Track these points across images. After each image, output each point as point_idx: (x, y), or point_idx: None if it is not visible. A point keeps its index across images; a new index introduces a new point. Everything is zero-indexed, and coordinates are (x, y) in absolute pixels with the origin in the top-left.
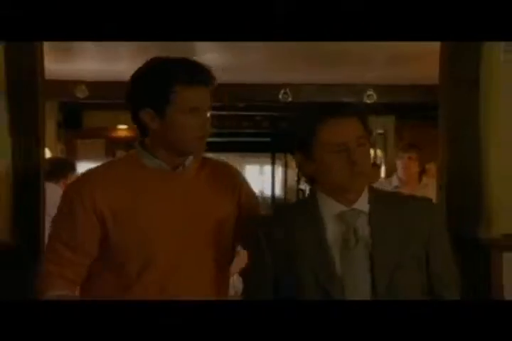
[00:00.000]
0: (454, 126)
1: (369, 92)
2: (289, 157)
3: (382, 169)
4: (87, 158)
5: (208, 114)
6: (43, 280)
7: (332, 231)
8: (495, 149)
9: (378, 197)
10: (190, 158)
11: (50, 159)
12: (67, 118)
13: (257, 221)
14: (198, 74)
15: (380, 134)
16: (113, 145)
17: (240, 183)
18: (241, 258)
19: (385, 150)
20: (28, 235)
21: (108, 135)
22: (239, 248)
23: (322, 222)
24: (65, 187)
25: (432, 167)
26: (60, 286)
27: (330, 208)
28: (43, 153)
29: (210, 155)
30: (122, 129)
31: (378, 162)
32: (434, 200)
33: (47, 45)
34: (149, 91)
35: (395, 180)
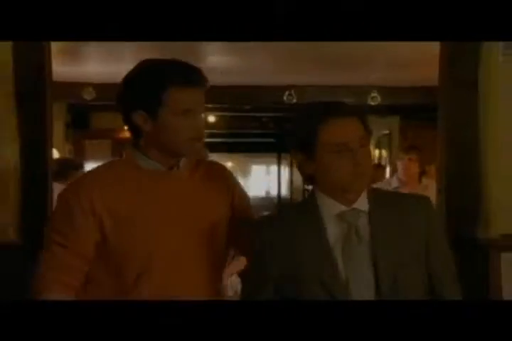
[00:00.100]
0: (453, 127)
1: (373, 94)
2: None
3: (387, 169)
4: (95, 158)
5: (202, 116)
6: (39, 284)
7: (333, 231)
8: (493, 150)
9: (377, 197)
10: (184, 158)
11: (57, 159)
12: (75, 120)
13: (256, 222)
14: (190, 75)
15: (385, 135)
16: (119, 145)
17: (233, 184)
18: (240, 259)
19: (389, 150)
20: (35, 234)
21: (115, 136)
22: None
23: (322, 222)
24: (63, 189)
25: (432, 168)
26: (57, 291)
27: (330, 208)
28: (51, 153)
29: (217, 155)
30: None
31: (383, 163)
32: (433, 201)
33: (55, 48)
34: (142, 93)
35: (394, 181)
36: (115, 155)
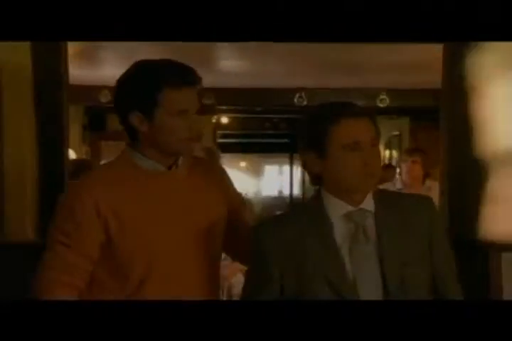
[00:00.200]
0: (455, 129)
1: (382, 96)
2: None
3: (397, 170)
4: (110, 159)
5: (196, 115)
6: (41, 284)
7: (340, 231)
8: (495, 152)
9: (382, 197)
10: (182, 157)
11: (74, 160)
12: (92, 122)
13: (262, 223)
14: (185, 75)
15: (395, 136)
16: None
17: (227, 184)
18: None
19: (399, 151)
20: None
21: None
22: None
23: (329, 222)
24: (66, 192)
25: (436, 170)
26: (59, 291)
27: (337, 208)
28: (67, 154)
29: (231, 155)
30: None
31: (394, 163)
32: (436, 202)
33: (72, 52)
34: (137, 94)
35: (398, 183)
36: None
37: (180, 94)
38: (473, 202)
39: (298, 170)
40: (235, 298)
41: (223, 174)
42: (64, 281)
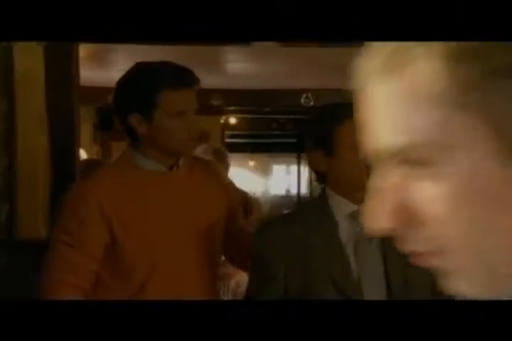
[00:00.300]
0: None
1: None
2: None
3: None
4: None
5: (195, 116)
6: (46, 285)
7: (345, 230)
8: None
9: None
10: (183, 158)
11: (85, 160)
12: (102, 122)
13: (267, 223)
14: (183, 77)
15: None
16: None
17: (227, 183)
18: None
19: None
20: None
21: None
22: None
23: (334, 221)
24: (68, 191)
25: None
26: (63, 292)
27: (342, 207)
28: (79, 154)
29: (239, 155)
30: None
31: None
32: None
33: (84, 55)
34: (136, 96)
35: None
36: None
37: (178, 95)
38: None
39: (305, 170)
40: (240, 297)
41: (223, 174)
42: (68, 281)
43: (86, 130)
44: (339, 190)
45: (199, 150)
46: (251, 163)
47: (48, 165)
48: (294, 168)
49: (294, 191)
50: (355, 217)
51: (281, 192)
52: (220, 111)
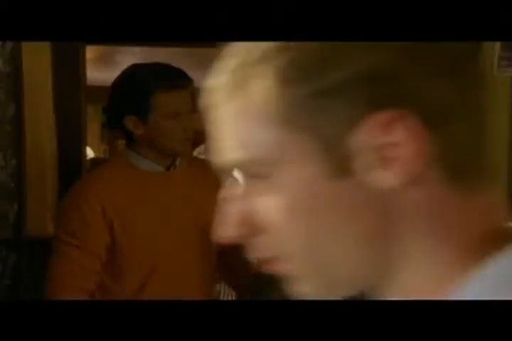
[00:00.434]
0: None
1: None
2: None
3: None
4: None
5: (191, 115)
6: (51, 288)
7: None
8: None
9: None
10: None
11: (91, 159)
12: None
13: None
14: (176, 78)
15: None
16: None
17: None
18: None
19: None
20: None
21: None
22: None
23: None
24: (70, 192)
25: None
26: (72, 297)
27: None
28: (85, 153)
29: None
30: None
31: None
32: None
33: (91, 56)
34: (131, 98)
35: None
36: None
37: (172, 97)
38: None
39: None
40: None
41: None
42: (74, 285)
43: (93, 129)
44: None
45: (198, 151)
46: None
47: (55, 165)
48: None
49: None
50: None
51: None
52: None
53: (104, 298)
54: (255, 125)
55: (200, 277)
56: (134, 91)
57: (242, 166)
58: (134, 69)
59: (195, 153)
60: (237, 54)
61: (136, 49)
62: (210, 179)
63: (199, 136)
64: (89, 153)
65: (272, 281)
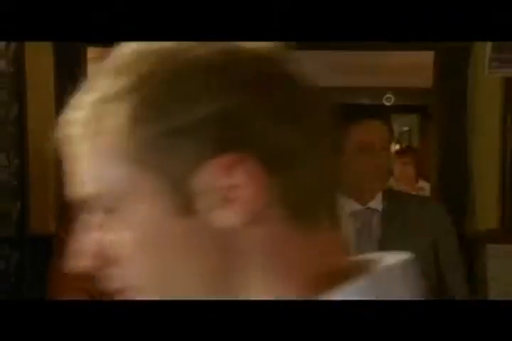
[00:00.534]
0: (444, 131)
1: (388, 95)
2: None
3: None
4: None
5: None
6: (53, 289)
7: (346, 228)
8: (478, 152)
9: (393, 197)
10: None
11: None
12: None
13: None
14: None
15: (406, 131)
16: None
17: None
18: None
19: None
20: None
21: None
22: None
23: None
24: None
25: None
26: (70, 293)
27: (346, 206)
28: None
29: None
30: None
31: None
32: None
33: (95, 56)
34: None
35: (391, 183)
36: None
37: None
38: (458, 197)
39: None
40: None
41: None
42: (76, 286)
43: None
44: (345, 190)
45: None
46: None
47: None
48: None
49: None
50: (357, 216)
51: None
52: None
53: (105, 298)
54: (107, 161)
55: None
56: None
57: (94, 200)
58: None
59: None
60: (97, 88)
61: None
62: None
63: None
64: None
65: None
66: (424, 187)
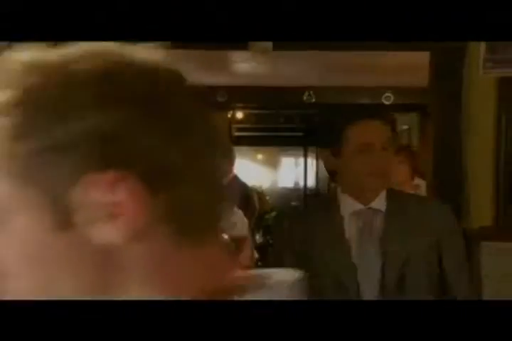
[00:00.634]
0: (440, 130)
1: (387, 94)
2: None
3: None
4: None
5: None
6: None
7: (348, 227)
8: (472, 151)
9: (395, 197)
10: None
11: None
12: None
13: (277, 214)
14: None
15: (405, 130)
16: None
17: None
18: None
19: (409, 145)
20: None
21: None
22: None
23: (341, 218)
24: None
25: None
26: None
27: (348, 206)
28: None
29: (248, 148)
30: None
31: None
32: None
33: None
34: None
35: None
36: None
37: None
38: (453, 195)
39: (312, 163)
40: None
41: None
42: None
43: None
44: (348, 190)
45: None
46: (259, 156)
47: None
48: (301, 160)
49: (301, 183)
50: (359, 215)
51: (289, 184)
52: (226, 107)
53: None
54: None
55: None
56: None
57: None
58: None
59: None
60: None
61: None
62: None
63: None
64: None
65: None
66: (420, 184)
